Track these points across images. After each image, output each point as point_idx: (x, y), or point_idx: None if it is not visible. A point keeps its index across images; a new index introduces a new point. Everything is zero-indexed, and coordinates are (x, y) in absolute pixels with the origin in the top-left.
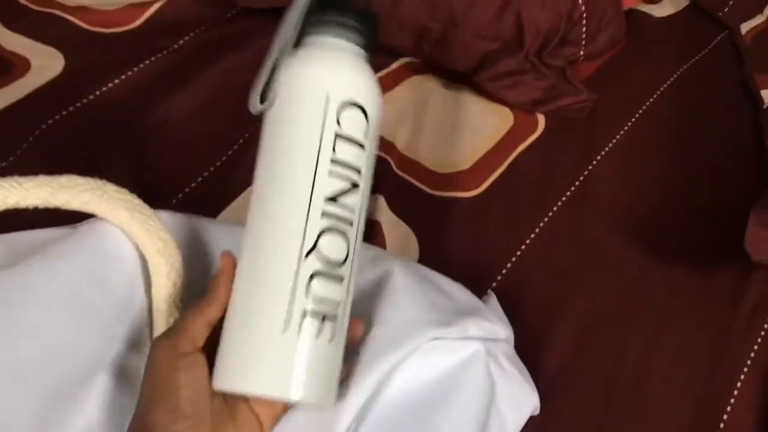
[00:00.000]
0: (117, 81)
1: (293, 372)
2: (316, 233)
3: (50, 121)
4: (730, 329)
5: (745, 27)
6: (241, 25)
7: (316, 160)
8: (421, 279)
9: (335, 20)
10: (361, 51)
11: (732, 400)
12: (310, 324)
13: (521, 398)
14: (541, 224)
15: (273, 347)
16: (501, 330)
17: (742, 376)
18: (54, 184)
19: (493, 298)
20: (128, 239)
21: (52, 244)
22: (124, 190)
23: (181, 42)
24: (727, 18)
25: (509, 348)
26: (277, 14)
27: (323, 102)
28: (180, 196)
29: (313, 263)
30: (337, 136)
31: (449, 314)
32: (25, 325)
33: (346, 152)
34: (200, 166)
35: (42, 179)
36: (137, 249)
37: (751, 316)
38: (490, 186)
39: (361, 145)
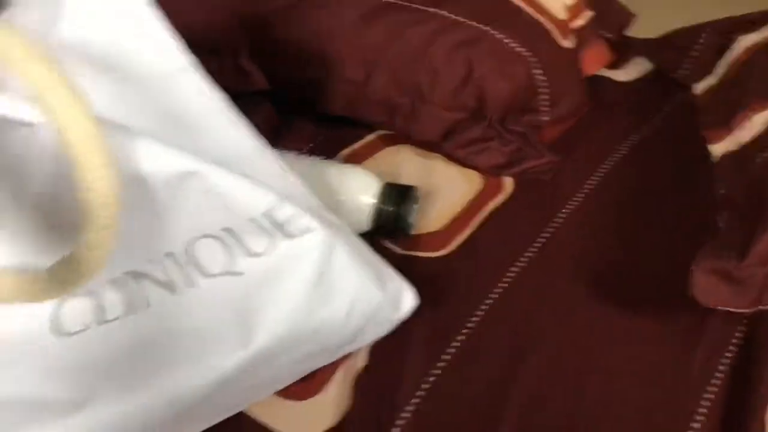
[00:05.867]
0: None
1: None
2: None
3: None
4: (687, 371)
5: (699, 87)
6: None
7: None
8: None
9: None
10: None
11: None
12: None
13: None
14: (508, 279)
15: None
16: None
17: (699, 417)
18: None
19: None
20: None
21: None
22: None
23: None
24: (684, 79)
25: None
26: None
27: None
28: None
29: None
30: None
31: None
32: None
33: None
34: None
35: None
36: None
37: (708, 359)
38: (459, 246)
39: None
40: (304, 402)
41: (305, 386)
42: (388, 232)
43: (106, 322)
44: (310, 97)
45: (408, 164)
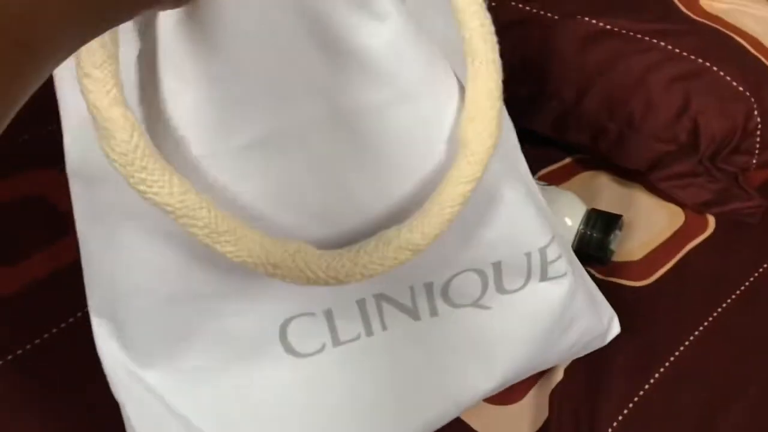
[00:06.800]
0: None
1: None
2: None
3: None
4: None
5: None
6: None
7: None
8: None
9: None
10: None
11: None
12: None
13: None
14: (710, 318)
15: None
16: None
17: None
18: None
19: None
20: None
21: None
22: None
23: None
24: None
25: None
26: None
27: None
28: None
29: None
30: None
31: None
32: None
33: None
34: None
35: None
36: None
37: None
38: (660, 278)
39: None
40: (506, 407)
41: (508, 392)
42: (587, 257)
43: (341, 343)
44: (520, 112)
45: (606, 190)
